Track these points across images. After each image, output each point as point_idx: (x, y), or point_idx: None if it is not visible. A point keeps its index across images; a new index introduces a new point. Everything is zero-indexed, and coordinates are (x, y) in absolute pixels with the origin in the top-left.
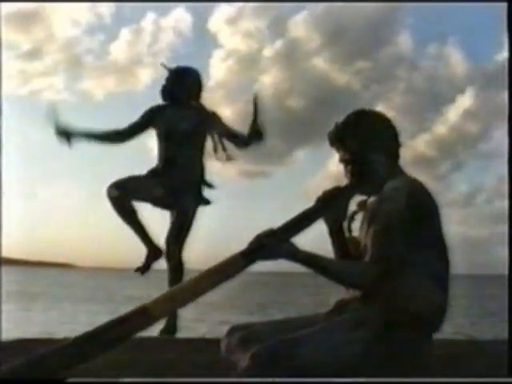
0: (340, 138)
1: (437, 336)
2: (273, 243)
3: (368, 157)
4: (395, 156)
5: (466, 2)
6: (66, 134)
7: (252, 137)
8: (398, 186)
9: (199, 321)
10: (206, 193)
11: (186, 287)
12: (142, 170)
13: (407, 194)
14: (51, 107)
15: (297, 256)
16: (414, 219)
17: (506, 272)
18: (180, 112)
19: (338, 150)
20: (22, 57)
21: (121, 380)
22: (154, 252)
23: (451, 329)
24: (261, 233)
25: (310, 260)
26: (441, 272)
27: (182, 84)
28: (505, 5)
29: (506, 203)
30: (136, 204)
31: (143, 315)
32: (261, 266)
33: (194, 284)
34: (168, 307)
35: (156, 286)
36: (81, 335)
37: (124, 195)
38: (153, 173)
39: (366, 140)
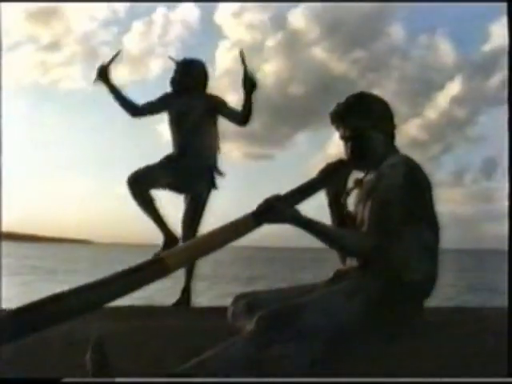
0: (341, 116)
1: (426, 304)
2: (280, 206)
3: (367, 134)
4: (391, 136)
5: (465, 1)
6: (103, 76)
7: (246, 88)
8: (395, 163)
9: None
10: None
11: (200, 241)
12: (153, 155)
13: (404, 171)
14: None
15: (301, 221)
16: (410, 194)
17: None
18: (190, 100)
19: (338, 128)
20: (43, 49)
21: (117, 380)
22: (170, 239)
23: (438, 299)
24: (269, 197)
25: (312, 225)
26: (431, 243)
27: (190, 74)
28: (505, 5)
29: (492, 184)
30: (153, 192)
31: (158, 265)
32: (246, 240)
33: (208, 239)
34: (182, 259)
35: None
36: (96, 281)
37: (143, 186)
38: (167, 160)
39: (365, 118)
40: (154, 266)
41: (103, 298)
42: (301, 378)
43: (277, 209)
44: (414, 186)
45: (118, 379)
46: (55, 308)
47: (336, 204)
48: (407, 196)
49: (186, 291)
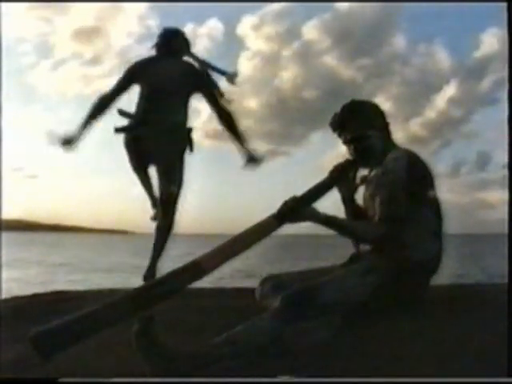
0: (340, 123)
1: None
2: (299, 207)
3: (365, 133)
4: (387, 132)
5: (465, 1)
6: (69, 142)
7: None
8: (398, 156)
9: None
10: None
11: (231, 244)
12: None
13: (406, 163)
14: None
15: (319, 218)
16: (414, 184)
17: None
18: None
19: (339, 135)
20: (86, 64)
21: (112, 380)
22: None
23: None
24: (287, 199)
25: (329, 221)
26: (436, 227)
27: (178, 37)
28: (505, 4)
29: (485, 175)
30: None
31: (195, 268)
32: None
33: (238, 241)
34: (217, 261)
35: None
36: (136, 289)
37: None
38: None
39: (360, 121)
40: (191, 270)
41: (150, 302)
42: (301, 378)
43: (296, 209)
44: (417, 176)
45: (115, 379)
46: (109, 313)
47: (349, 199)
48: (411, 185)
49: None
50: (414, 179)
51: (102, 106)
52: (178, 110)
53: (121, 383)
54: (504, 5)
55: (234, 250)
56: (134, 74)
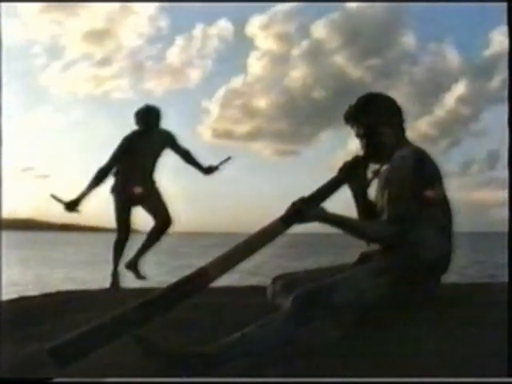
0: (353, 116)
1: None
2: (306, 209)
3: (378, 130)
4: (401, 129)
5: (467, 2)
6: (73, 205)
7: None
8: (405, 154)
9: None
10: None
11: (238, 249)
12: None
13: (413, 160)
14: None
15: (327, 218)
16: (421, 182)
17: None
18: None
19: (352, 127)
20: (96, 65)
21: (107, 380)
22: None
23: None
24: (295, 201)
25: (338, 221)
26: (446, 225)
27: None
28: (505, 5)
29: (495, 174)
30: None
31: (203, 276)
32: None
33: (245, 246)
34: (224, 268)
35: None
36: (147, 298)
37: None
38: None
39: (375, 116)
40: (199, 277)
41: (159, 311)
42: (301, 378)
43: (303, 211)
44: (424, 174)
45: (110, 379)
46: (116, 325)
47: (360, 196)
48: (418, 184)
49: (134, 265)
50: (420, 177)
51: (101, 176)
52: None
53: (119, 383)
54: (504, 5)
55: (241, 255)
56: (127, 147)
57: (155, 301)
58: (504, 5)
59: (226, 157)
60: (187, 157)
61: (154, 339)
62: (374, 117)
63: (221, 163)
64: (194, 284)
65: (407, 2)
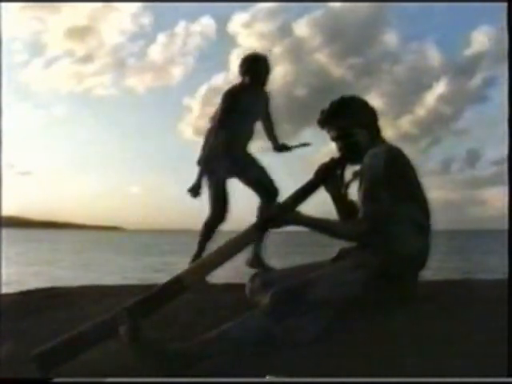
0: (326, 120)
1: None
2: (279, 214)
3: (351, 131)
4: (375, 129)
5: (465, 1)
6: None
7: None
8: (376, 152)
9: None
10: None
11: (212, 257)
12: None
13: (384, 158)
14: None
15: (301, 221)
16: (393, 178)
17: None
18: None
19: (328, 131)
20: (78, 61)
21: (107, 380)
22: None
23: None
24: (271, 206)
25: (311, 223)
26: (422, 220)
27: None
28: (505, 5)
29: (475, 172)
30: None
31: (177, 284)
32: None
33: (218, 254)
34: (198, 276)
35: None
36: (128, 305)
37: None
38: None
39: (347, 118)
40: (173, 286)
41: (144, 314)
42: (301, 378)
43: (278, 217)
44: (396, 170)
45: (109, 379)
46: (103, 328)
47: (338, 197)
48: (391, 180)
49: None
50: (392, 173)
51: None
52: None
53: (119, 383)
54: (504, 5)
55: (214, 263)
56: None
57: (132, 309)
58: (495, 4)
59: (304, 142)
60: (269, 128)
61: (144, 335)
62: (346, 119)
63: (296, 146)
64: (170, 292)
65: (389, 2)
